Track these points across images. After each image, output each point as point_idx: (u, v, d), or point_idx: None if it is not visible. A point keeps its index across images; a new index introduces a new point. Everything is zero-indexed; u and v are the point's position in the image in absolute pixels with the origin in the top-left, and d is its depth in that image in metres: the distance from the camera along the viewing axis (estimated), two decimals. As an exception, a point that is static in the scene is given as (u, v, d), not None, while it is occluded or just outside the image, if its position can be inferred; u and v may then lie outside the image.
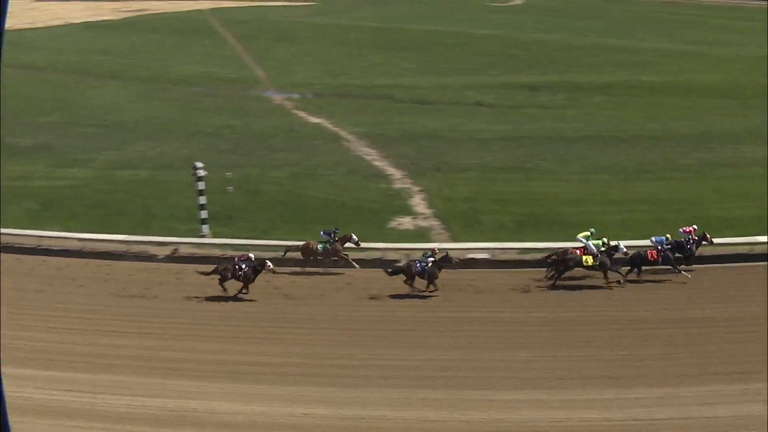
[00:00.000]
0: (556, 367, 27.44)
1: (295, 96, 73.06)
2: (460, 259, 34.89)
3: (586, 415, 24.63)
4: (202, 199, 38.39)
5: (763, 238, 35.83)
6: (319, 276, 35.09)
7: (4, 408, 10.13)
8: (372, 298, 32.89)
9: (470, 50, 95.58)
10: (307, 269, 35.46)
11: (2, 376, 10.40)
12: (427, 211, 41.52)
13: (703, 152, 52.27)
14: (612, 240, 34.12)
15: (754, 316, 30.45)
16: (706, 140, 55.84)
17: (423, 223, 39.92)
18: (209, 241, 37.98)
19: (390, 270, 33.47)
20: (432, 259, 33.09)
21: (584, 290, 33.43)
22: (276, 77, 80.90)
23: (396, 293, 32.99)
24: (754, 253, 35.62)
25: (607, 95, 72.46)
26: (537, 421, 24.47)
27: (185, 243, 37.68)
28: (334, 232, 35.60)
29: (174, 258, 36.91)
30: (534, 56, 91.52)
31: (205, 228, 38.30)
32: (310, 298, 32.83)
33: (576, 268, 33.97)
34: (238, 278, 32.79)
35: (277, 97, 73.02)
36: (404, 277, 33.13)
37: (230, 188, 42.74)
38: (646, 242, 34.96)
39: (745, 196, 43.11)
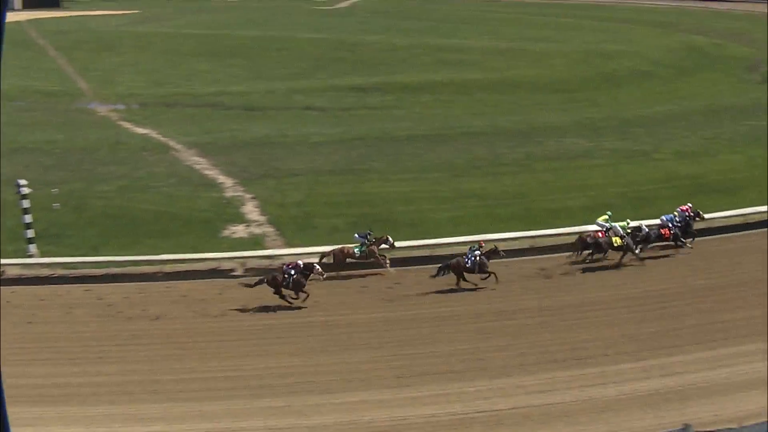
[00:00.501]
0: (398, 365, 27.62)
1: (120, 107, 71.27)
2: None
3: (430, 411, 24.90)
4: (28, 218, 37.03)
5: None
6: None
7: (4, 410, 10.45)
8: (205, 315, 32.27)
9: (297, 54, 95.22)
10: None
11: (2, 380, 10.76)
12: (261, 218, 41.08)
13: (530, 146, 53.46)
14: (633, 221, 36.69)
15: (591, 302, 31.58)
16: (532, 134, 57.23)
17: (257, 230, 39.48)
18: (37, 261, 36.67)
19: (438, 269, 33.56)
20: (478, 252, 33.72)
21: (417, 292, 33.75)
22: (99, 88, 78.78)
23: (226, 303, 32.57)
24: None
25: (434, 94, 73.53)
26: (381, 420, 24.56)
27: (12, 264, 36.24)
28: (368, 234, 35.66)
29: (0, 281, 35.50)
30: (361, 58, 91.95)
31: (32, 247, 36.96)
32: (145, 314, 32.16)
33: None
34: (287, 286, 32.30)
35: (102, 109, 71.08)
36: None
37: (56, 205, 41.45)
38: (656, 221, 37.41)
39: (573, 187, 44.38)
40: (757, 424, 16.93)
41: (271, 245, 37.59)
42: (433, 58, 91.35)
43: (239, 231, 39.36)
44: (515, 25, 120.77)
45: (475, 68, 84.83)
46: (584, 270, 35.12)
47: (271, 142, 56.51)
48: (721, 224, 39.49)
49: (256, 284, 32.52)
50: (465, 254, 33.86)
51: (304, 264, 32.84)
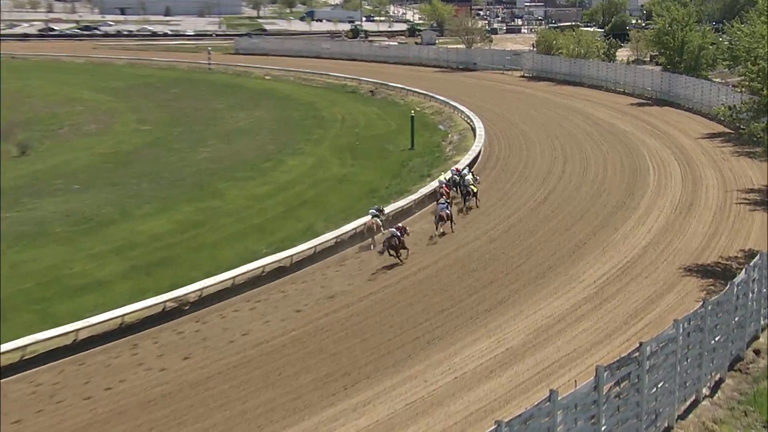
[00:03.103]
0: None
1: None
2: None
3: None
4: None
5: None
6: None
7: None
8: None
9: None
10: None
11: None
12: None
13: None
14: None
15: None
16: None
17: None
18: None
19: (436, 219, 40.31)
20: (443, 202, 41.36)
21: None
22: None
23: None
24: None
25: None
26: None
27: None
28: (378, 209, 41.39)
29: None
30: None
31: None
32: None
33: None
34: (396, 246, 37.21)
35: None
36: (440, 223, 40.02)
37: None
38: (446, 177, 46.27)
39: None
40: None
41: None
42: None
43: None
44: None
45: None
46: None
47: None
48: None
49: (384, 250, 37.20)
50: (439, 206, 40.95)
51: (402, 227, 38.01)
